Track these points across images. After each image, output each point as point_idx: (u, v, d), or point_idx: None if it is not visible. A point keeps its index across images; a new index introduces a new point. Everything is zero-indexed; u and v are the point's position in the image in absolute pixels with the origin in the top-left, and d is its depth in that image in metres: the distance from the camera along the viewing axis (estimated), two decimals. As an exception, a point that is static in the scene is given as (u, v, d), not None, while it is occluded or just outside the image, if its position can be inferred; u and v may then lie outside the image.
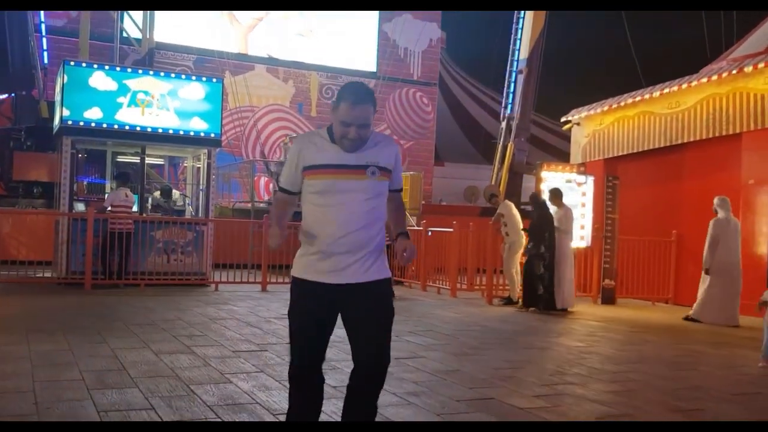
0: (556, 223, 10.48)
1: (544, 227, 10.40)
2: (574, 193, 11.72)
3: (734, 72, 11.05)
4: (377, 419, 3.59)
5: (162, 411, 4.25)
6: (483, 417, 4.39)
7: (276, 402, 4.56)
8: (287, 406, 4.38)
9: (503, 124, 22.09)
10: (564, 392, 5.21)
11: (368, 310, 3.13)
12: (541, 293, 10.37)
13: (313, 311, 3.14)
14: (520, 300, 11.00)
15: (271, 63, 24.45)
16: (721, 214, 10.05)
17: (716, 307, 9.92)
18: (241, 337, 7.00)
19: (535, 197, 10.97)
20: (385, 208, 3.26)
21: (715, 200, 10.24)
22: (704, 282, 10.07)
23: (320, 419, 3.86)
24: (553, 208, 10.61)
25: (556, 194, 10.84)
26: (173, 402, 4.47)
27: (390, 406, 4.55)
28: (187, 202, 13.99)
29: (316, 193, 3.13)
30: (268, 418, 4.18)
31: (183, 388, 4.84)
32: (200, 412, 4.27)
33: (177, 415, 4.17)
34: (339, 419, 3.72)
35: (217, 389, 4.86)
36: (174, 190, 14.72)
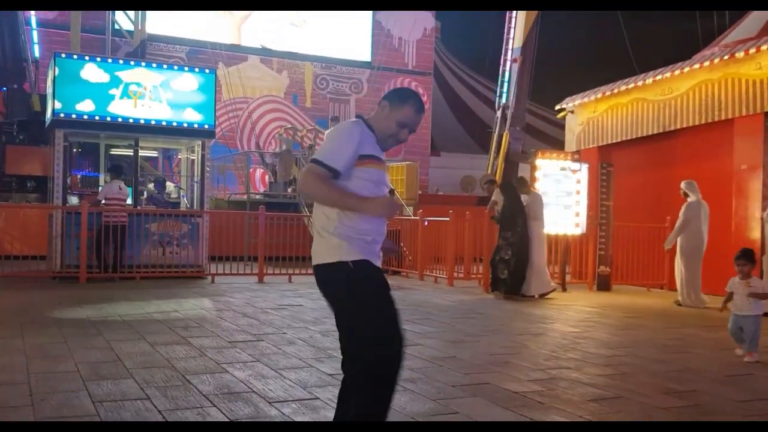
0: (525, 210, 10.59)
1: (515, 214, 10.49)
2: (568, 181, 11.73)
3: (726, 58, 11.06)
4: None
5: (157, 401, 4.26)
6: (478, 401, 4.41)
7: (272, 390, 4.57)
8: (283, 395, 4.40)
9: (498, 113, 22.09)
10: (558, 376, 5.23)
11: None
12: (504, 278, 10.50)
13: (384, 288, 3.10)
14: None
15: (265, 54, 24.38)
16: (692, 197, 10.21)
17: (692, 290, 10.06)
18: (238, 328, 7.01)
19: (506, 185, 11.09)
20: None
21: (683, 184, 10.37)
22: (680, 267, 10.25)
23: (317, 405, 3.87)
24: (523, 196, 10.72)
25: (522, 182, 11.12)
26: (169, 392, 4.49)
27: (385, 392, 4.56)
28: (181, 194, 13.98)
29: (371, 182, 3.11)
30: (264, 406, 4.20)
31: (179, 378, 4.85)
32: (196, 401, 4.28)
33: (172, 404, 4.18)
34: (334, 406, 3.74)
35: (213, 379, 4.87)
36: (168, 182, 14.71)
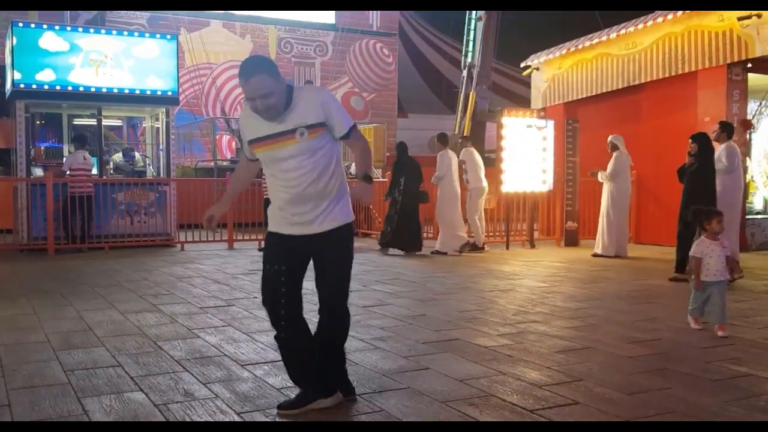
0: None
1: (398, 173, 10.99)
2: (534, 138, 11.78)
3: (688, 11, 11.12)
4: (348, 366, 3.67)
5: (129, 367, 4.27)
6: (448, 357, 4.48)
7: (244, 353, 4.60)
8: (255, 357, 4.44)
9: (464, 73, 22.04)
10: (527, 330, 5.33)
11: (328, 256, 3.43)
12: (386, 233, 11.05)
13: (282, 259, 3.40)
14: (485, 245, 11.25)
15: (227, 18, 23.95)
16: (622, 149, 10.49)
17: (614, 238, 10.45)
18: (208, 294, 7.02)
19: (398, 145, 11.62)
20: (333, 158, 3.38)
21: (611, 138, 10.61)
22: (608, 217, 10.52)
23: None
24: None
25: (441, 139, 11.39)
26: (140, 358, 4.49)
27: (357, 351, 4.62)
28: (147, 162, 13.82)
29: (264, 163, 3.45)
30: (236, 369, 4.22)
31: (150, 345, 4.86)
32: (168, 366, 4.30)
33: (144, 371, 4.19)
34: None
35: (184, 344, 4.88)
36: (136, 153, 14.53)
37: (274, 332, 3.48)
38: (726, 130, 9.20)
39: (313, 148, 3.28)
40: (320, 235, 3.37)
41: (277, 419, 3.35)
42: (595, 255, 10.54)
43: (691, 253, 5.37)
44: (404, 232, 10.90)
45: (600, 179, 10.84)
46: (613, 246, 10.44)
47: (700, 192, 7.84)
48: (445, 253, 10.86)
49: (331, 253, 3.42)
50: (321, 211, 3.35)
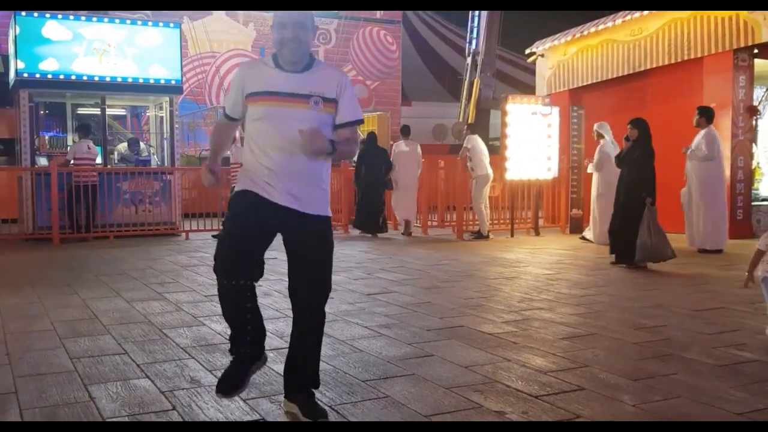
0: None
1: (360, 163, 11.92)
2: (539, 125, 11.73)
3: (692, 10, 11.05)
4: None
5: (135, 355, 4.28)
6: (452, 344, 4.49)
7: (249, 341, 4.60)
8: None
9: (468, 60, 21.94)
10: (532, 317, 5.32)
11: (305, 243, 3.17)
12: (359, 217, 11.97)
13: (251, 217, 3.09)
14: (490, 233, 11.27)
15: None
16: (608, 137, 10.30)
17: (604, 228, 10.26)
18: (213, 282, 6.93)
19: (368, 134, 12.41)
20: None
21: (596, 126, 10.49)
22: (597, 206, 10.43)
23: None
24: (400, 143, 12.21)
25: (402, 131, 12.52)
26: (146, 346, 4.51)
27: (362, 338, 4.63)
28: (151, 151, 13.82)
29: (258, 120, 3.13)
30: (241, 356, 4.23)
31: (156, 333, 4.87)
32: (174, 354, 4.31)
33: (150, 358, 4.20)
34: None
35: (190, 332, 4.89)
36: (141, 143, 14.53)
37: (225, 283, 3.14)
38: (705, 115, 9.26)
39: (322, 123, 3.11)
40: (306, 217, 3.11)
41: (282, 406, 3.35)
42: (583, 238, 10.59)
43: (758, 245, 4.70)
44: (365, 217, 11.81)
45: (588, 170, 10.82)
46: (603, 235, 10.34)
47: (643, 179, 7.77)
48: (409, 234, 11.97)
49: (316, 242, 3.16)
50: (309, 192, 3.12)
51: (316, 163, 3.12)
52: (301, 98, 3.08)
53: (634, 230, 7.69)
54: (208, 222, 12.43)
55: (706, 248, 9.20)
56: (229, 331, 3.29)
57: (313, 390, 3.30)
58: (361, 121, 3.33)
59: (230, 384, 3.14)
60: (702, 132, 9.30)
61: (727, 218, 9.50)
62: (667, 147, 11.95)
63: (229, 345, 3.29)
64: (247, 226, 3.08)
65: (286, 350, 4.30)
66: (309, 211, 3.13)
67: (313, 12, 3.24)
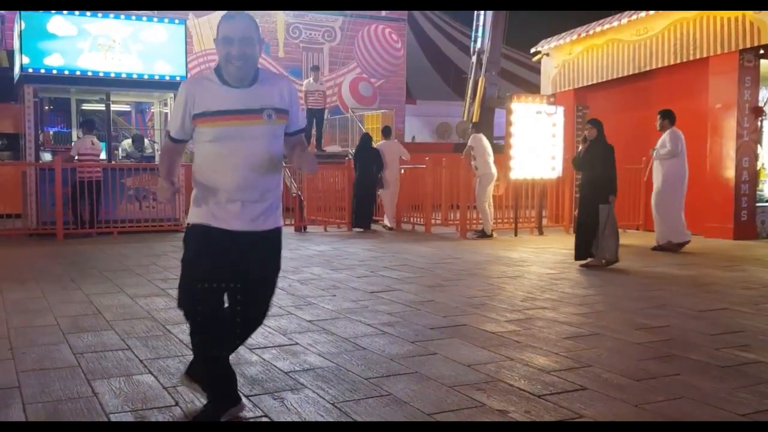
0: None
1: (355, 161, 12.64)
2: (544, 124, 11.72)
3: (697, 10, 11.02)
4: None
5: (138, 350, 4.29)
6: (455, 342, 4.49)
7: (252, 337, 4.57)
8: (263, 341, 4.45)
9: (473, 59, 21.91)
10: (535, 316, 5.32)
11: (262, 258, 3.13)
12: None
13: (216, 257, 3.00)
14: (493, 232, 11.27)
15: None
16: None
17: None
18: (217, 279, 7.01)
19: (363, 136, 13.09)
20: (281, 153, 3.19)
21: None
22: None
23: (297, 351, 3.92)
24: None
25: (384, 131, 13.15)
26: (149, 342, 4.51)
27: (365, 336, 4.63)
28: (155, 148, 13.83)
29: (211, 141, 3.01)
30: (245, 352, 4.23)
31: (159, 329, 4.88)
32: (177, 350, 4.31)
33: (154, 353, 4.21)
34: (313, 350, 3.80)
35: (193, 328, 4.89)
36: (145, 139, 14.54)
37: (193, 327, 3.11)
38: (667, 117, 9.45)
39: (276, 135, 3.09)
40: (261, 234, 3.08)
41: (286, 403, 3.35)
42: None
43: None
44: (358, 212, 12.49)
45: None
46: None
47: (606, 178, 7.90)
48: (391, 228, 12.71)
49: (268, 256, 3.15)
50: (265, 207, 3.08)
51: (271, 178, 3.09)
52: (254, 113, 3.00)
53: (595, 230, 7.86)
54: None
55: (673, 241, 9.41)
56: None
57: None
58: (303, 129, 3.33)
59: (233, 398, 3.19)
60: (666, 132, 9.46)
61: (682, 213, 9.60)
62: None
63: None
64: (207, 267, 2.99)
65: (290, 347, 4.33)
66: (266, 228, 3.11)
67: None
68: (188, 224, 3.13)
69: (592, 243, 7.92)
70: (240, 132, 2.98)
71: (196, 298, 2.99)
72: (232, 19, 2.97)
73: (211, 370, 3.15)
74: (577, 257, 8.08)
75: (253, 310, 3.16)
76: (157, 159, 13.29)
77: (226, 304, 3.13)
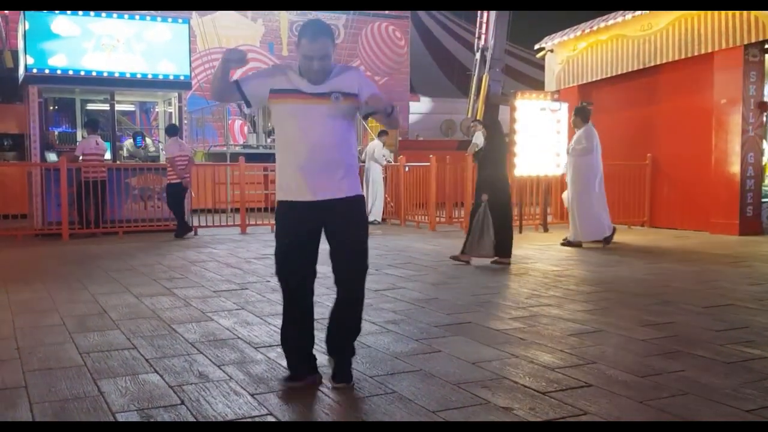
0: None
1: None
2: (548, 121, 11.69)
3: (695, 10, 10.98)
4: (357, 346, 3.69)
5: (144, 350, 4.30)
6: (460, 340, 4.49)
7: (257, 336, 4.62)
8: (268, 340, 4.46)
9: (477, 56, 21.84)
10: (540, 313, 5.32)
11: (346, 221, 3.48)
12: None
13: (296, 229, 3.44)
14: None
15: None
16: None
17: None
18: (222, 278, 7.05)
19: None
20: (352, 133, 3.55)
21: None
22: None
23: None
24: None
25: (380, 133, 13.95)
26: (155, 341, 4.53)
27: (369, 334, 4.63)
28: (160, 147, 13.86)
29: (285, 116, 3.44)
30: (250, 351, 4.25)
31: (165, 328, 4.90)
32: (182, 349, 4.32)
33: (159, 353, 4.22)
34: (317, 349, 3.80)
35: (198, 327, 4.91)
36: (147, 138, 14.56)
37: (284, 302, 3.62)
38: (580, 114, 9.50)
39: (343, 114, 3.45)
40: (338, 201, 3.43)
41: (290, 402, 3.36)
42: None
43: None
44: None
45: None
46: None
47: (482, 178, 8.01)
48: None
49: (348, 222, 3.48)
50: (339, 177, 3.43)
51: (341, 151, 3.44)
52: (323, 95, 3.41)
53: (508, 225, 7.99)
54: (217, 218, 12.49)
55: (587, 240, 9.52)
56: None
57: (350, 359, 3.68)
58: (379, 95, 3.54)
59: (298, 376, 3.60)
60: (581, 128, 9.49)
61: (604, 208, 9.66)
62: (677, 142, 11.97)
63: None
64: (297, 239, 3.45)
65: (294, 346, 4.32)
66: (343, 195, 3.45)
67: (330, 28, 3.48)
68: (277, 201, 3.55)
69: (511, 238, 8.07)
70: (309, 110, 3.40)
71: (285, 266, 3.48)
72: (313, 41, 3.34)
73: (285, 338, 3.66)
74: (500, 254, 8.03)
75: (352, 267, 3.51)
76: (161, 159, 13.34)
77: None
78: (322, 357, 3.78)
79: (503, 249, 7.91)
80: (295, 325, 3.61)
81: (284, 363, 3.98)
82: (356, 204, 3.51)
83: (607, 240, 9.57)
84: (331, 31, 3.45)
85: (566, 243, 9.67)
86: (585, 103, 11.87)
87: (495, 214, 7.83)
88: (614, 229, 9.68)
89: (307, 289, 3.57)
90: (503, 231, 7.90)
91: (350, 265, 3.49)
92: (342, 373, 3.58)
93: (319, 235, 3.49)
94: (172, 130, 11.58)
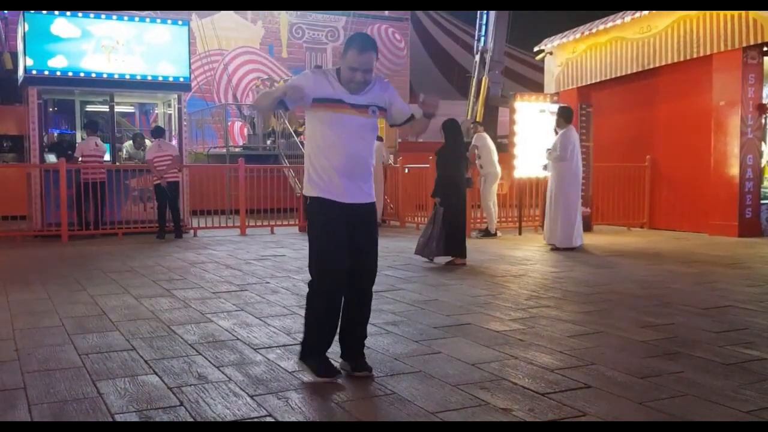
0: None
1: None
2: (547, 123, 11.69)
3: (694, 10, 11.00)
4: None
5: (143, 351, 4.30)
6: (460, 341, 4.49)
7: (256, 337, 4.62)
8: (268, 341, 4.45)
9: (477, 58, 21.91)
10: (539, 315, 5.32)
11: (367, 225, 3.75)
12: None
13: (338, 223, 3.64)
14: (498, 231, 11.26)
15: (239, 4, 23.90)
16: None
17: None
18: (221, 279, 7.05)
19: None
20: (375, 142, 3.86)
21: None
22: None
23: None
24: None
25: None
26: (154, 342, 4.53)
27: (369, 335, 4.60)
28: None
29: (325, 123, 3.63)
30: (249, 352, 4.25)
31: (164, 329, 4.89)
32: (182, 350, 4.32)
33: (158, 354, 4.22)
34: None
35: (198, 328, 4.91)
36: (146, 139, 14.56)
37: (319, 290, 3.70)
38: (563, 115, 9.44)
39: (374, 126, 3.76)
40: (365, 206, 3.71)
41: (290, 402, 3.36)
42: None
43: None
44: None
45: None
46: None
47: (456, 177, 8.16)
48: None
49: (370, 226, 3.76)
50: (367, 184, 3.72)
51: (371, 158, 3.74)
52: (362, 108, 3.66)
53: (459, 226, 8.16)
54: (216, 219, 12.49)
55: (559, 246, 9.48)
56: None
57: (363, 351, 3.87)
58: (413, 115, 3.87)
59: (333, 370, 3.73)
60: (559, 133, 9.47)
61: (578, 219, 9.64)
62: (675, 144, 11.98)
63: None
64: (336, 234, 3.63)
65: (294, 347, 4.33)
66: (369, 201, 3.74)
67: (375, 42, 3.69)
68: (307, 198, 3.74)
69: (464, 238, 8.28)
70: (350, 120, 3.62)
71: (330, 257, 3.64)
72: (361, 54, 3.54)
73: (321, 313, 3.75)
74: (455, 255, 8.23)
75: (367, 269, 3.75)
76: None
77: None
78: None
79: (455, 249, 8.09)
80: (334, 321, 3.74)
81: (284, 364, 3.99)
82: (374, 209, 3.82)
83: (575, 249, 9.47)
84: (376, 45, 3.67)
85: (555, 248, 9.55)
86: (584, 105, 11.89)
87: (447, 215, 8.01)
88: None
89: (344, 285, 3.71)
90: (455, 231, 8.05)
91: (366, 265, 3.73)
92: (363, 364, 3.79)
93: (348, 235, 3.68)
94: (157, 132, 11.59)
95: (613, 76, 13.05)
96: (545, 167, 9.93)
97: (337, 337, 3.81)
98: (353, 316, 3.80)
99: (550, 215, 9.71)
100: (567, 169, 9.42)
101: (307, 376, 3.72)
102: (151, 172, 11.27)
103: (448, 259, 8.19)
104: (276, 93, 3.67)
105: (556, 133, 9.72)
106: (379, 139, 13.86)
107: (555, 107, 11.73)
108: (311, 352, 3.75)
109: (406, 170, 13.40)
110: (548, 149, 9.71)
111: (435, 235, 8.04)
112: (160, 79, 12.16)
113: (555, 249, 9.42)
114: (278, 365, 3.96)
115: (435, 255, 8.14)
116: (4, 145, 16.46)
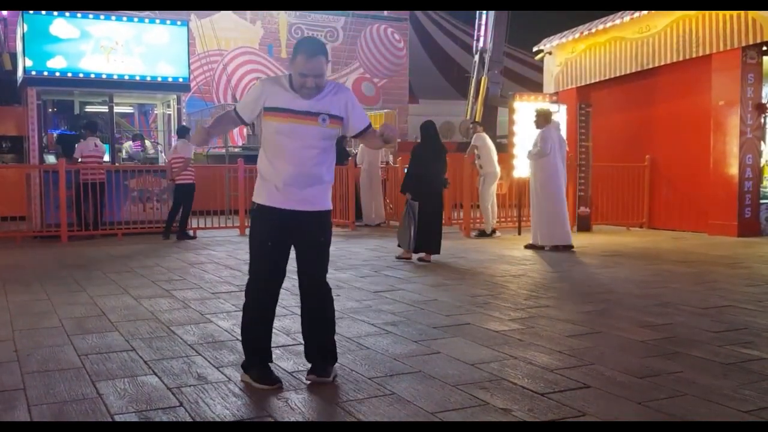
0: None
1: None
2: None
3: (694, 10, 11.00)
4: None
5: (143, 351, 4.30)
6: (459, 341, 4.49)
7: (255, 338, 4.61)
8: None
9: (476, 58, 21.94)
10: (538, 314, 5.32)
11: (311, 234, 3.69)
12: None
13: (277, 231, 3.62)
14: (495, 231, 11.29)
15: (238, 4, 23.91)
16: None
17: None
18: (221, 280, 7.05)
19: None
20: (333, 153, 3.72)
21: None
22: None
23: (300, 351, 3.92)
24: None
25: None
26: (154, 342, 4.53)
27: (368, 336, 4.64)
28: (159, 149, 13.85)
29: (274, 133, 3.59)
30: (248, 352, 4.24)
31: (163, 330, 4.89)
32: (181, 350, 4.32)
33: (158, 354, 4.22)
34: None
35: (197, 329, 4.91)
36: (146, 140, 14.55)
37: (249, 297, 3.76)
38: (541, 114, 9.52)
39: (327, 136, 3.63)
40: (313, 214, 3.64)
41: (290, 402, 3.36)
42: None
43: None
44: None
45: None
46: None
47: (428, 174, 8.30)
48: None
49: (320, 233, 3.70)
50: (316, 192, 3.63)
51: (320, 167, 3.63)
52: (312, 116, 3.56)
53: (433, 222, 8.32)
54: (216, 220, 12.48)
55: (555, 245, 9.48)
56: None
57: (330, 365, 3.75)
58: (369, 125, 3.81)
59: (273, 378, 3.65)
60: (540, 131, 9.49)
61: (566, 214, 9.65)
62: (675, 144, 11.99)
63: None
64: (270, 242, 3.64)
65: (294, 347, 4.34)
66: (317, 209, 3.66)
67: (325, 46, 3.64)
68: (254, 203, 3.72)
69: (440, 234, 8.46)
70: (297, 129, 3.55)
71: (261, 266, 3.69)
72: (309, 58, 3.46)
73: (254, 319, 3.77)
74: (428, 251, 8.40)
75: (312, 277, 3.75)
76: (160, 161, 13.33)
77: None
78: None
79: (428, 245, 8.24)
80: (265, 326, 3.76)
81: (283, 364, 3.99)
82: (323, 217, 3.72)
83: (566, 248, 9.46)
84: (326, 49, 3.60)
85: (552, 249, 9.47)
86: (583, 104, 11.90)
87: (421, 211, 8.18)
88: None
89: (279, 291, 3.78)
90: (428, 227, 8.20)
91: (310, 273, 3.73)
92: (322, 370, 3.68)
93: (290, 243, 3.70)
94: (182, 132, 11.57)
95: (613, 76, 13.06)
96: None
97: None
98: (309, 321, 3.80)
99: (535, 216, 9.68)
100: (547, 163, 9.45)
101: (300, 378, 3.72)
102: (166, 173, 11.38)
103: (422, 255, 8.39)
104: (227, 116, 3.79)
105: None
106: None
107: (554, 107, 11.76)
108: (250, 360, 3.73)
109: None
110: (529, 150, 9.72)
111: (406, 230, 8.30)
112: (159, 79, 12.15)
113: (554, 249, 9.41)
114: (277, 365, 3.96)
115: (409, 247, 8.32)
116: (4, 145, 16.44)
